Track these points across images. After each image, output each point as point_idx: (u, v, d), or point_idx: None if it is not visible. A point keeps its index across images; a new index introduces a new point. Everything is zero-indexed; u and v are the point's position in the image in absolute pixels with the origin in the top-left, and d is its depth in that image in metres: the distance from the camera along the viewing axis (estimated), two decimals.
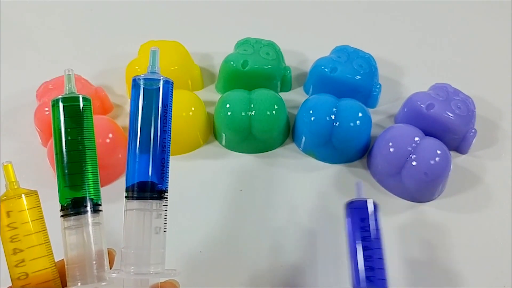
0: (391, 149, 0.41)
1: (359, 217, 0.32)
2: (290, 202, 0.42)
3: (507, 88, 0.52)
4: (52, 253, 0.26)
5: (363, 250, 0.31)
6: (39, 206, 0.26)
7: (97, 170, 0.27)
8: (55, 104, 0.27)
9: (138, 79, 0.26)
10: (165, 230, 0.26)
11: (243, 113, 0.43)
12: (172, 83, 0.27)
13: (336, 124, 0.42)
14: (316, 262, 0.38)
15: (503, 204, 0.42)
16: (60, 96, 0.27)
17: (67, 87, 0.28)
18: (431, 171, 0.40)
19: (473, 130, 0.44)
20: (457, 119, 0.43)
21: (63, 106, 0.27)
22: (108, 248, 0.28)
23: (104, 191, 0.42)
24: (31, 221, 0.26)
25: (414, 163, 0.40)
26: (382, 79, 0.50)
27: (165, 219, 0.26)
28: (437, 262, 0.38)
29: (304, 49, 0.55)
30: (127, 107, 0.49)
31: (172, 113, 0.43)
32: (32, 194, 0.26)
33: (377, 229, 0.32)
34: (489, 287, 0.37)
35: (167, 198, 0.26)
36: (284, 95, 0.48)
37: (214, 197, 0.42)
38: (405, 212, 0.41)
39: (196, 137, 0.45)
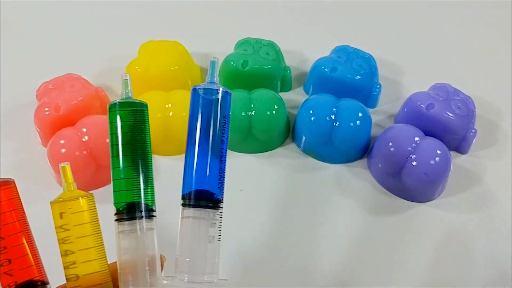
0: (391, 149, 0.41)
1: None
2: (290, 202, 0.42)
3: (507, 88, 0.52)
4: (104, 256, 0.26)
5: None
6: (94, 208, 0.26)
7: (152, 175, 0.28)
8: (111, 108, 0.27)
9: (198, 88, 0.27)
10: (219, 239, 0.26)
11: (243, 113, 0.43)
12: (231, 94, 0.27)
13: (336, 124, 0.42)
14: (316, 262, 0.38)
15: (503, 204, 0.42)
16: (117, 101, 0.27)
17: (124, 92, 0.28)
18: (431, 171, 0.40)
19: (473, 130, 0.44)
20: (457, 119, 0.43)
21: (120, 110, 0.27)
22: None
23: (104, 191, 0.42)
24: (83, 223, 0.26)
25: (414, 163, 0.40)
26: (382, 79, 0.50)
27: (219, 228, 0.26)
28: (437, 262, 0.38)
29: (304, 49, 0.55)
30: None
31: (172, 113, 0.43)
32: (87, 196, 0.26)
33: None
34: (489, 287, 0.37)
35: (222, 207, 0.27)
36: (284, 95, 0.48)
37: None
38: (405, 212, 0.41)
39: None
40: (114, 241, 0.29)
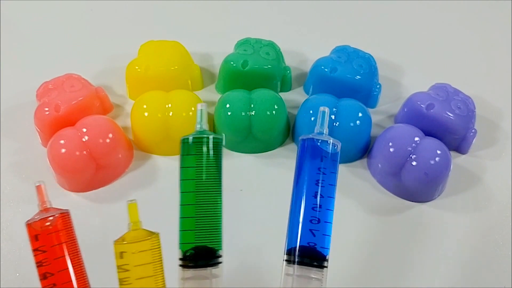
0: (391, 149, 0.41)
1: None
2: (290, 202, 0.42)
3: (507, 88, 0.52)
4: None
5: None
6: (157, 247, 0.24)
7: (221, 214, 0.26)
8: (184, 142, 0.26)
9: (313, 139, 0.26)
10: None
11: (243, 113, 0.43)
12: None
13: (336, 124, 0.42)
14: None
15: (503, 204, 0.42)
16: (191, 135, 0.26)
17: (198, 125, 0.27)
18: (431, 171, 0.40)
19: (473, 130, 0.44)
20: (457, 119, 0.43)
21: (194, 145, 0.26)
22: None
23: (104, 191, 0.42)
24: (145, 264, 0.24)
25: (414, 163, 0.40)
26: (382, 79, 0.50)
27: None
28: (436, 262, 0.38)
29: (304, 49, 0.55)
30: (127, 107, 0.49)
31: (172, 113, 0.43)
32: (153, 236, 0.24)
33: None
34: (489, 287, 0.37)
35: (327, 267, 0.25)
36: (284, 95, 0.48)
37: None
38: (405, 212, 0.41)
39: None
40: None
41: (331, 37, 0.56)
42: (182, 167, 0.25)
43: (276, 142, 0.46)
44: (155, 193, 0.42)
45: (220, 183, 0.26)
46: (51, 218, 0.24)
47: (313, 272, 0.25)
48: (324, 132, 0.27)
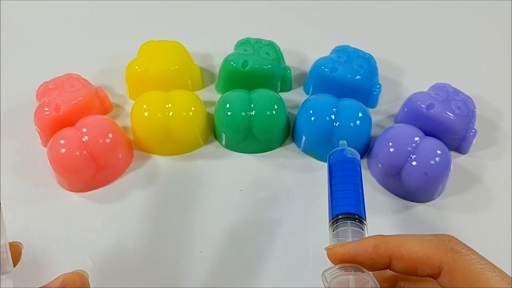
0: (391, 149, 0.41)
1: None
2: (290, 202, 0.42)
3: (507, 88, 0.52)
4: None
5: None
6: None
7: None
8: None
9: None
10: None
11: (243, 113, 0.43)
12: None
13: (336, 124, 0.42)
14: (317, 262, 0.38)
15: (503, 204, 0.42)
16: None
17: None
18: (431, 171, 0.40)
19: (473, 130, 0.44)
20: (457, 119, 0.43)
21: None
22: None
23: (104, 191, 0.42)
24: None
25: (414, 163, 0.40)
26: (382, 79, 0.50)
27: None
28: None
29: (304, 49, 0.55)
30: (127, 107, 0.49)
31: (172, 113, 0.44)
32: None
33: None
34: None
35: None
36: (284, 95, 0.48)
37: (214, 197, 0.42)
38: (405, 212, 0.41)
39: (196, 137, 0.45)
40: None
41: (331, 37, 0.56)
42: None
43: (276, 142, 0.46)
44: (155, 193, 0.42)
45: None
46: None
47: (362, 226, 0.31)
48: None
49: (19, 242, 0.29)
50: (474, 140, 0.44)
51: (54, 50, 0.56)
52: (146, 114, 0.43)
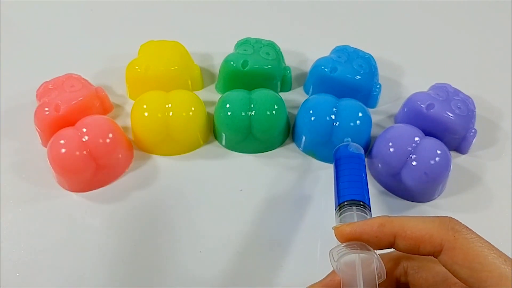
0: (391, 149, 0.41)
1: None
2: (290, 202, 0.42)
3: (507, 88, 0.52)
4: None
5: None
6: None
7: None
8: None
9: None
10: None
11: (243, 113, 0.43)
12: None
13: (336, 124, 0.42)
14: (317, 263, 0.38)
15: (503, 204, 0.42)
16: None
17: None
18: (431, 171, 0.40)
19: (473, 130, 0.44)
20: (457, 119, 0.43)
21: None
22: None
23: (104, 191, 0.42)
24: None
25: (414, 163, 0.40)
26: (382, 79, 0.50)
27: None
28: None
29: (304, 49, 0.55)
30: (127, 107, 0.49)
31: (172, 113, 0.44)
32: None
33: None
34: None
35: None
36: (284, 95, 0.48)
37: (214, 197, 0.42)
38: (405, 212, 0.41)
39: (196, 137, 0.45)
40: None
41: (331, 37, 0.56)
42: None
43: (276, 142, 0.46)
44: (155, 193, 0.42)
45: None
46: None
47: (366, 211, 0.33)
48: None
49: None
50: (474, 140, 0.44)
51: (54, 50, 0.56)
52: (146, 114, 0.43)
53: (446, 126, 0.43)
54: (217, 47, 0.54)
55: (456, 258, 0.24)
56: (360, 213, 0.32)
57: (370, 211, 0.33)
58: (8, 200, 0.41)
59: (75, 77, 0.46)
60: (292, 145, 0.46)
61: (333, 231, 0.28)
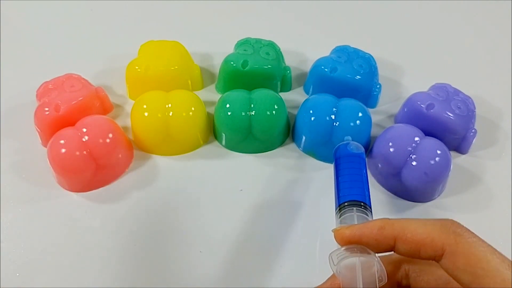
0: (391, 149, 0.41)
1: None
2: (290, 202, 0.42)
3: (507, 88, 0.52)
4: None
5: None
6: None
7: None
8: None
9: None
10: None
11: (243, 113, 0.43)
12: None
13: (336, 124, 0.42)
14: (316, 262, 0.38)
15: (503, 204, 0.42)
16: None
17: None
18: (431, 171, 0.40)
19: (473, 130, 0.44)
20: (457, 119, 0.43)
21: None
22: None
23: (104, 191, 0.42)
24: None
25: (414, 163, 0.40)
26: (382, 79, 0.50)
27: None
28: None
29: (304, 49, 0.55)
30: (127, 107, 0.49)
31: (172, 113, 0.44)
32: None
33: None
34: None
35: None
36: (284, 95, 0.48)
37: (214, 197, 0.42)
38: (405, 212, 0.41)
39: (196, 137, 0.45)
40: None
41: (331, 37, 0.56)
42: None
43: (276, 142, 0.46)
44: (155, 193, 0.42)
45: None
46: None
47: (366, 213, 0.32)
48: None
49: None
50: (474, 140, 0.44)
51: (54, 50, 0.56)
52: (146, 114, 0.43)
53: (446, 126, 0.43)
54: (217, 47, 0.54)
55: (458, 263, 0.23)
56: (360, 214, 0.32)
57: (371, 211, 0.33)
58: (8, 200, 0.41)
59: (75, 77, 0.46)
60: (292, 145, 0.46)
61: (333, 233, 0.28)
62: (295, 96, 0.50)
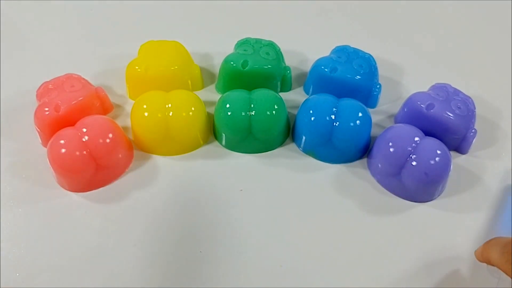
0: (391, 149, 0.41)
1: None
2: (290, 202, 0.42)
3: (507, 88, 0.52)
4: None
5: None
6: None
7: None
8: None
9: None
10: None
11: (243, 113, 0.43)
12: None
13: (336, 124, 0.42)
14: (316, 262, 0.38)
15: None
16: None
17: None
18: (431, 171, 0.40)
19: (473, 130, 0.44)
20: (457, 119, 0.43)
21: None
22: None
23: (104, 191, 0.42)
24: None
25: (414, 163, 0.40)
26: (382, 79, 0.50)
27: None
28: (437, 262, 0.38)
29: (304, 49, 0.55)
30: (127, 107, 0.49)
31: (172, 113, 0.44)
32: None
33: None
34: (489, 287, 0.37)
35: None
36: (284, 95, 0.48)
37: (214, 197, 0.42)
38: (405, 212, 0.41)
39: (196, 137, 0.45)
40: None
41: (331, 37, 0.56)
42: None
43: (276, 142, 0.46)
44: (155, 193, 0.42)
45: None
46: None
47: None
48: None
49: None
50: (474, 140, 0.44)
51: (54, 50, 0.56)
52: (146, 114, 0.43)
53: (446, 126, 0.43)
54: (217, 47, 0.54)
55: None
56: None
57: None
58: (8, 200, 0.41)
59: (75, 77, 0.46)
60: (292, 145, 0.46)
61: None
62: (295, 96, 0.50)
